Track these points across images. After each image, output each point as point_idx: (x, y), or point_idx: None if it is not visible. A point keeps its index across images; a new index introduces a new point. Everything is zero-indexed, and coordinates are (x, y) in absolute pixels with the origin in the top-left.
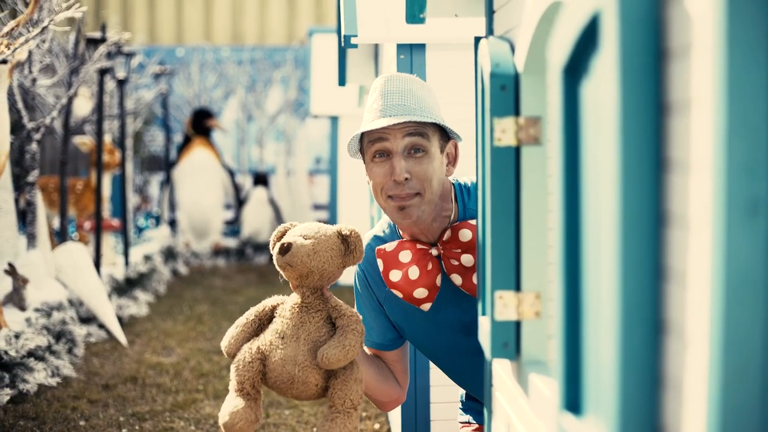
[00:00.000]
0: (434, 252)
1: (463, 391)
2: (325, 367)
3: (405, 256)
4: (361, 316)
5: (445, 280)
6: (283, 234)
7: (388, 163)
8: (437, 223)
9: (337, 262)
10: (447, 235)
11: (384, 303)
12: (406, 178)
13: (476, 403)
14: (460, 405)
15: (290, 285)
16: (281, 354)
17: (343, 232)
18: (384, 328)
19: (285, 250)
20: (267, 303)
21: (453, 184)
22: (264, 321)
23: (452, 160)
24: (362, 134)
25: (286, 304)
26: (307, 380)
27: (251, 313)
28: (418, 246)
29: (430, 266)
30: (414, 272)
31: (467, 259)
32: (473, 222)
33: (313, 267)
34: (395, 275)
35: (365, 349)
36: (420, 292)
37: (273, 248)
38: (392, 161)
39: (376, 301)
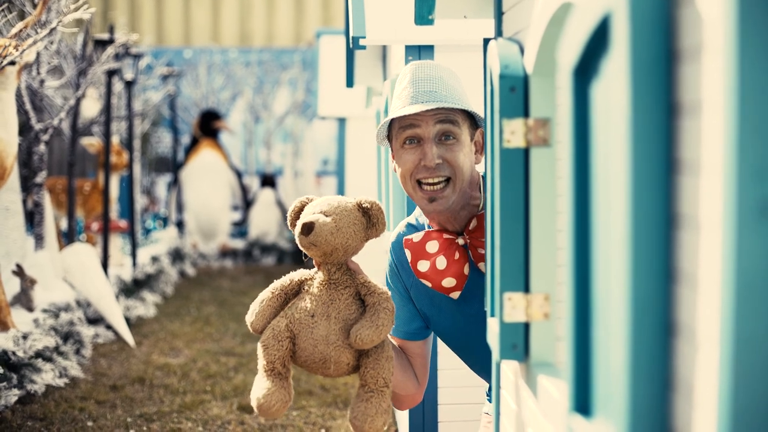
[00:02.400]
0: (461, 241)
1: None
2: (358, 347)
3: (432, 246)
4: (390, 293)
5: (473, 269)
6: (300, 209)
7: (419, 149)
8: (465, 212)
9: (360, 236)
10: (473, 224)
11: (411, 290)
12: (438, 164)
13: None
14: (486, 397)
15: (314, 263)
16: (313, 334)
17: (364, 205)
18: (410, 316)
19: (308, 229)
20: (294, 276)
21: (482, 176)
22: (290, 295)
23: (480, 149)
24: (392, 121)
25: (314, 280)
26: (340, 360)
27: (276, 287)
28: (445, 236)
29: (457, 255)
30: (441, 262)
31: None
32: None
33: (337, 244)
34: (423, 265)
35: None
36: (448, 282)
37: (291, 224)
38: (423, 147)
39: (404, 287)
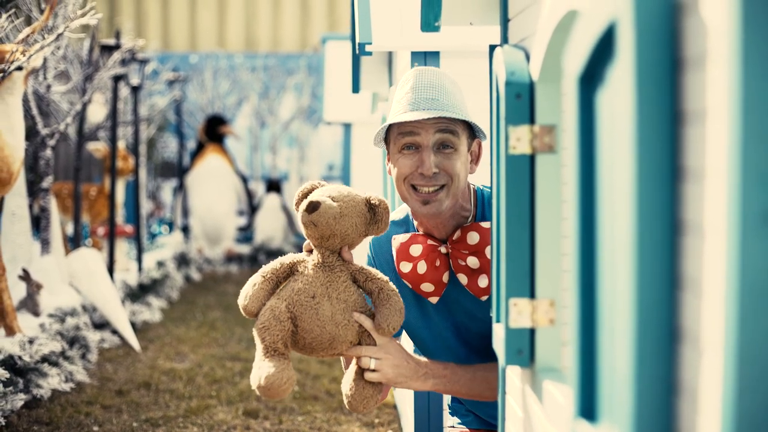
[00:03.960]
0: (443, 250)
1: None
2: (388, 335)
3: (416, 249)
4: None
5: (453, 279)
6: (310, 191)
7: (417, 156)
8: (453, 221)
9: (360, 229)
10: (457, 234)
11: None
12: (435, 173)
13: (461, 405)
14: (449, 410)
15: (304, 246)
16: (318, 314)
17: (372, 201)
18: None
19: (313, 208)
20: (284, 260)
21: (476, 189)
22: (281, 279)
23: (475, 159)
24: (391, 125)
25: (307, 263)
26: (346, 339)
27: (267, 271)
28: (429, 242)
29: (438, 263)
30: (422, 267)
31: (473, 262)
32: (484, 224)
33: (337, 230)
34: (405, 267)
35: None
36: (426, 286)
37: (296, 203)
38: (422, 155)
39: None
